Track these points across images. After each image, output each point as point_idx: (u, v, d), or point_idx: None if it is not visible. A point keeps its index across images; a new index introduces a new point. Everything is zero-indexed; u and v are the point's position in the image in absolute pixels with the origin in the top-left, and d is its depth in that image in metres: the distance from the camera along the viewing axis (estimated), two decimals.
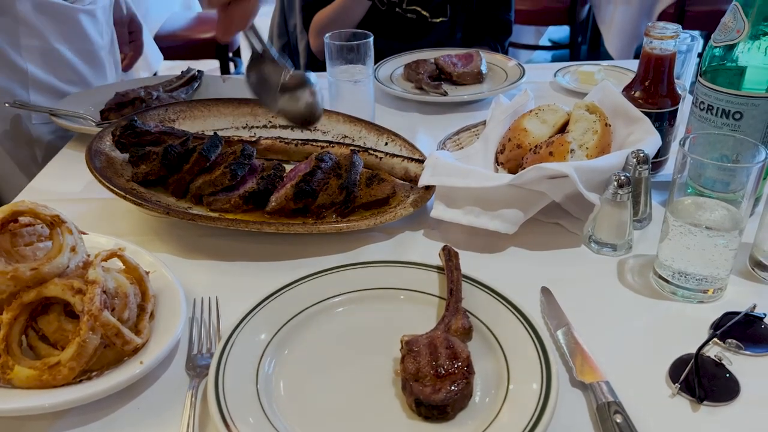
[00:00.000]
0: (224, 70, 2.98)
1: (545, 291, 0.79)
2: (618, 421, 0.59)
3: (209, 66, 2.47)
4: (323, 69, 1.22)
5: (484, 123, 1.09)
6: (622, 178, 0.82)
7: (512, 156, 0.97)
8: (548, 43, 4.04)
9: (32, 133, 1.28)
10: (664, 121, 0.98)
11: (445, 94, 1.32)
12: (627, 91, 1.01)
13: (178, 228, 0.93)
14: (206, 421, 0.62)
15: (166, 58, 2.29)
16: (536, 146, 0.94)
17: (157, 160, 0.94)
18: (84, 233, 0.78)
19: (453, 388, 0.60)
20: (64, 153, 1.19)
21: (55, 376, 0.63)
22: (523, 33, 3.49)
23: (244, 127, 1.14)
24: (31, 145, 1.28)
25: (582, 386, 0.66)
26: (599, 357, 0.68)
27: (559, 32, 4.13)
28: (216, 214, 0.91)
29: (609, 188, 0.83)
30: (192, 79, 1.35)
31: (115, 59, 1.50)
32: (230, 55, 3.09)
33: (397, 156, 0.99)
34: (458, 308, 0.69)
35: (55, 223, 0.70)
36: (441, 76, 1.40)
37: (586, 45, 3.65)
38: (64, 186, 1.07)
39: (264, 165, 0.99)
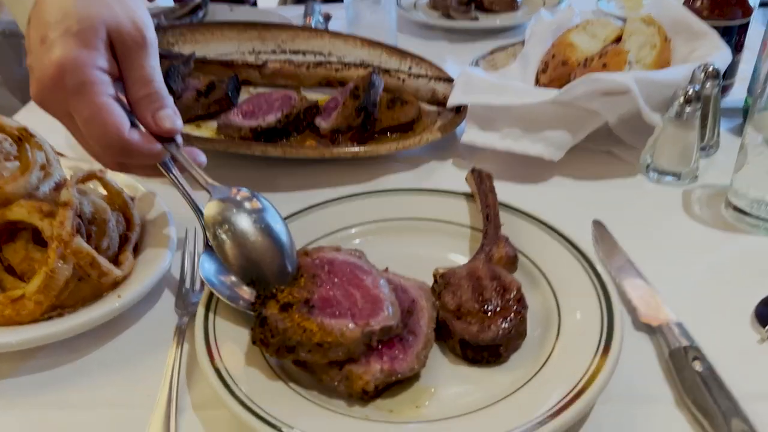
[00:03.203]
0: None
1: (597, 224, 0.67)
2: (699, 369, 0.48)
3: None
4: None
5: (522, 43, 0.95)
6: (690, 92, 0.70)
7: (557, 75, 0.84)
8: None
9: (22, 76, 1.18)
10: (732, 36, 0.85)
11: (475, 18, 1.18)
12: (689, 2, 0.87)
13: None
14: (194, 365, 0.52)
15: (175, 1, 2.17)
16: (586, 60, 0.80)
17: None
18: (61, 155, 0.68)
19: (504, 325, 0.49)
20: None
21: (18, 311, 0.54)
22: None
23: (250, 52, 1.02)
24: (22, 88, 1.18)
25: (648, 330, 0.54)
26: (666, 297, 0.56)
27: None
28: (214, 136, 0.80)
29: (674, 105, 0.70)
30: (197, 7, 1.24)
31: None
32: None
33: (423, 76, 0.87)
34: (498, 235, 0.57)
35: (23, 137, 0.60)
36: (471, 1, 1.26)
37: None
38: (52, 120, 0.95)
39: (295, 98, 0.84)
